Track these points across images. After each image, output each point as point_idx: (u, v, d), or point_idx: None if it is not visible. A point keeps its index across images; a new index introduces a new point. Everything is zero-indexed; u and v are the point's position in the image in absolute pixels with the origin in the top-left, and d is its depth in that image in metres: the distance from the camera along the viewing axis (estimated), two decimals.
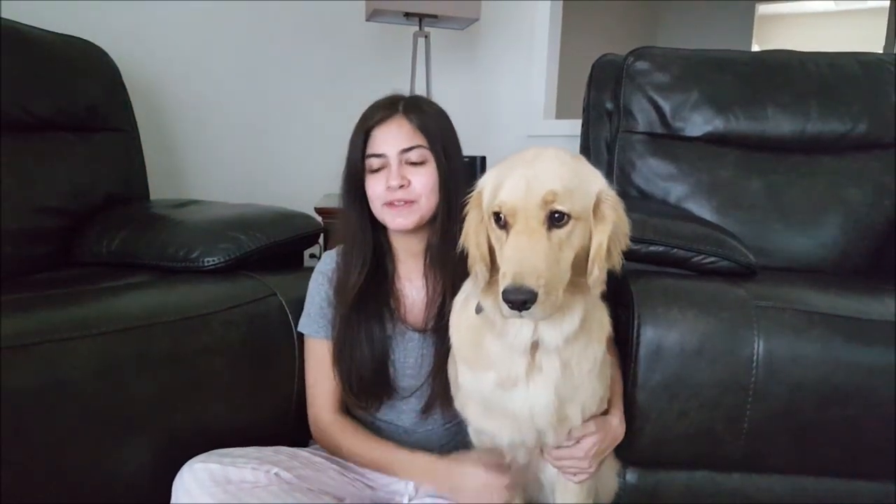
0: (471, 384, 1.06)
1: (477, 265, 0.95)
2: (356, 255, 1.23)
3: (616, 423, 1.17)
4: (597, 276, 0.90)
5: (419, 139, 1.18)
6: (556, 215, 0.86)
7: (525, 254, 0.83)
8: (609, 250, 0.90)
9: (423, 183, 1.18)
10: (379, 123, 1.19)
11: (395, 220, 1.18)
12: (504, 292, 0.81)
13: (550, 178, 0.86)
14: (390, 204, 1.18)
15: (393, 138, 1.18)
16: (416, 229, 1.22)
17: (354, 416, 1.32)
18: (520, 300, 0.80)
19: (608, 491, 1.34)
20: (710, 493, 1.35)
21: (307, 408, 1.32)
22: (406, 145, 1.17)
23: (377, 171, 1.19)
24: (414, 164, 1.18)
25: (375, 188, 1.19)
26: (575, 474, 1.12)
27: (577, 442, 1.09)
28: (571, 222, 0.87)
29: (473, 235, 0.96)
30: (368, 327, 1.22)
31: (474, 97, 2.89)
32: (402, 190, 1.17)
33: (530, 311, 0.82)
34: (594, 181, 0.92)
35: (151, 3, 2.31)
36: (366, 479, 1.26)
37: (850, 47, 2.10)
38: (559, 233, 0.87)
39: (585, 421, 1.07)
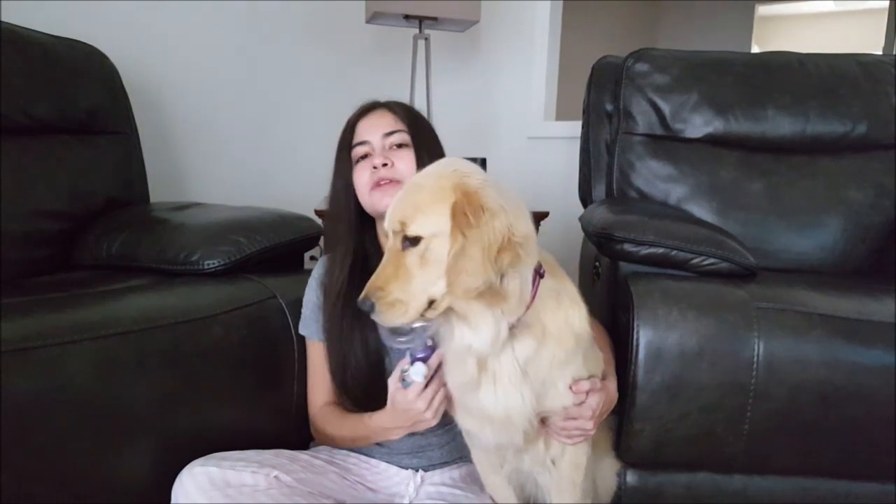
0: (453, 387, 1.07)
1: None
2: (340, 249, 1.26)
3: (613, 388, 1.19)
4: (453, 286, 0.88)
5: (401, 126, 1.25)
6: (409, 238, 0.91)
7: (379, 270, 0.93)
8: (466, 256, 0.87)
9: (408, 166, 1.22)
10: (362, 115, 1.27)
11: (383, 200, 1.19)
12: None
13: (402, 207, 0.93)
14: (377, 185, 1.20)
15: (376, 125, 1.25)
16: None
17: None
18: (365, 308, 0.91)
19: (607, 490, 1.35)
20: (711, 494, 1.35)
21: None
22: (389, 129, 1.24)
23: (363, 160, 1.24)
24: (398, 147, 1.24)
25: (361, 177, 1.23)
26: (575, 437, 1.12)
27: (584, 401, 1.08)
28: (424, 241, 0.90)
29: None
30: (363, 333, 1.22)
31: (474, 99, 2.90)
32: (387, 169, 1.21)
33: (375, 316, 0.91)
34: (452, 196, 0.89)
35: (152, 7, 2.31)
36: (366, 482, 1.26)
37: (850, 48, 2.10)
38: (414, 251, 0.91)
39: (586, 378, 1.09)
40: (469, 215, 0.87)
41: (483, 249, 0.86)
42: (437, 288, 0.91)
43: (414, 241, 0.90)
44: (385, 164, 1.20)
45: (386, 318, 0.91)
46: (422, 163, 1.19)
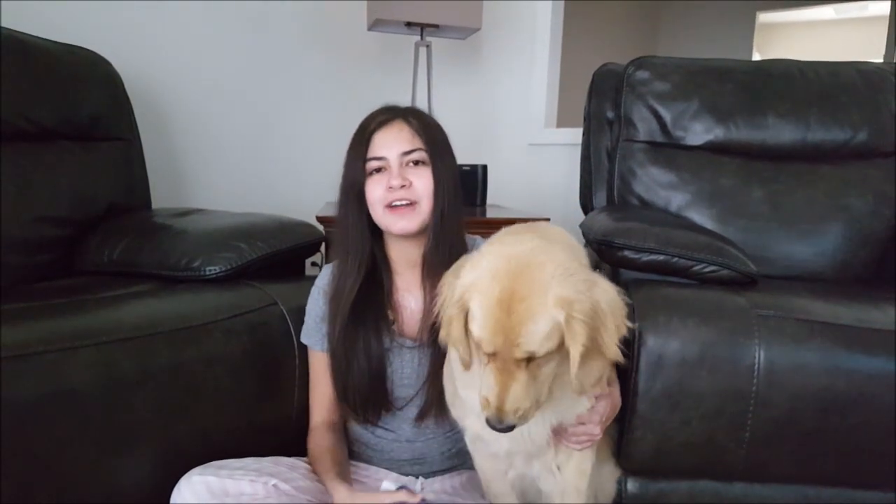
0: (468, 398, 1.07)
1: (459, 347, 0.96)
2: (352, 259, 1.23)
3: (617, 394, 1.19)
4: (584, 385, 0.94)
5: (418, 142, 1.20)
6: (537, 356, 0.89)
7: (503, 391, 0.88)
8: (590, 352, 0.90)
9: (424, 185, 1.19)
10: (380, 127, 1.21)
11: (398, 223, 1.19)
12: (487, 421, 0.90)
13: (529, 339, 0.87)
14: (392, 207, 1.19)
15: (394, 141, 1.20)
16: (415, 236, 1.22)
17: (355, 428, 1.33)
18: (502, 429, 0.90)
19: (606, 495, 1.35)
20: (712, 502, 1.35)
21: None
22: (407, 148, 1.19)
23: (377, 174, 1.20)
24: (415, 165, 1.20)
25: (375, 191, 1.19)
26: (583, 442, 1.13)
27: (593, 407, 1.09)
28: (547, 355, 0.90)
29: (454, 328, 0.96)
30: (366, 341, 1.22)
31: (476, 106, 2.90)
32: (404, 190, 1.18)
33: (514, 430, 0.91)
34: (560, 311, 0.88)
35: (154, 13, 2.32)
36: (367, 489, 1.26)
37: (851, 56, 2.10)
38: (537, 362, 0.90)
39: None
40: (584, 322, 0.88)
41: (604, 343, 0.90)
42: (548, 385, 0.94)
43: (539, 357, 0.90)
44: (403, 186, 1.17)
45: (526, 422, 0.92)
46: (438, 176, 1.20)
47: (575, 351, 0.88)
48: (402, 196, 1.18)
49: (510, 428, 0.89)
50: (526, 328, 0.86)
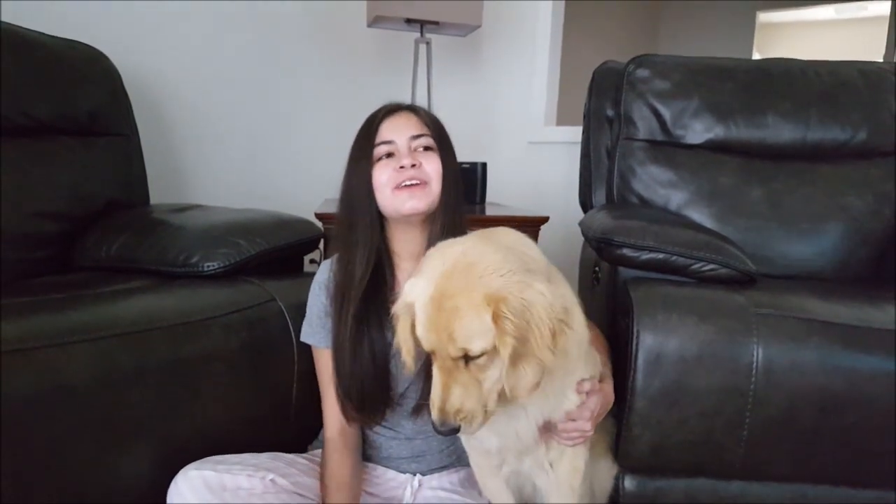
0: None
1: (403, 348, 1.00)
2: (362, 249, 1.21)
3: (609, 390, 1.19)
4: (515, 389, 0.90)
5: (426, 130, 1.23)
6: (471, 356, 0.89)
7: (444, 391, 0.90)
8: (523, 355, 0.89)
9: (434, 167, 1.20)
10: (387, 116, 1.23)
11: (408, 202, 1.18)
12: (433, 424, 0.92)
13: (459, 335, 0.88)
14: (401, 187, 1.18)
15: (402, 126, 1.22)
16: (421, 224, 1.22)
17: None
18: (444, 431, 0.91)
19: (603, 492, 1.36)
20: (710, 500, 1.35)
21: None
22: (415, 132, 1.21)
23: (385, 160, 1.20)
24: (423, 150, 1.21)
25: (383, 175, 1.19)
26: (575, 438, 1.13)
27: (584, 403, 1.10)
28: (488, 352, 0.89)
29: (400, 328, 0.99)
30: (370, 338, 1.20)
31: (475, 103, 2.90)
32: (414, 169, 1.18)
33: (461, 432, 0.92)
34: (488, 307, 0.88)
35: (153, 9, 2.32)
36: (364, 486, 1.26)
37: (851, 55, 2.10)
38: (478, 362, 0.90)
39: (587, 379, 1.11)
40: (511, 321, 0.87)
41: (536, 345, 0.88)
42: (499, 385, 0.92)
43: (476, 355, 0.89)
44: (414, 165, 1.18)
45: (475, 427, 0.92)
46: (445, 162, 1.21)
47: (504, 351, 0.88)
48: (412, 175, 1.18)
49: (454, 430, 0.90)
50: (455, 325, 0.88)
